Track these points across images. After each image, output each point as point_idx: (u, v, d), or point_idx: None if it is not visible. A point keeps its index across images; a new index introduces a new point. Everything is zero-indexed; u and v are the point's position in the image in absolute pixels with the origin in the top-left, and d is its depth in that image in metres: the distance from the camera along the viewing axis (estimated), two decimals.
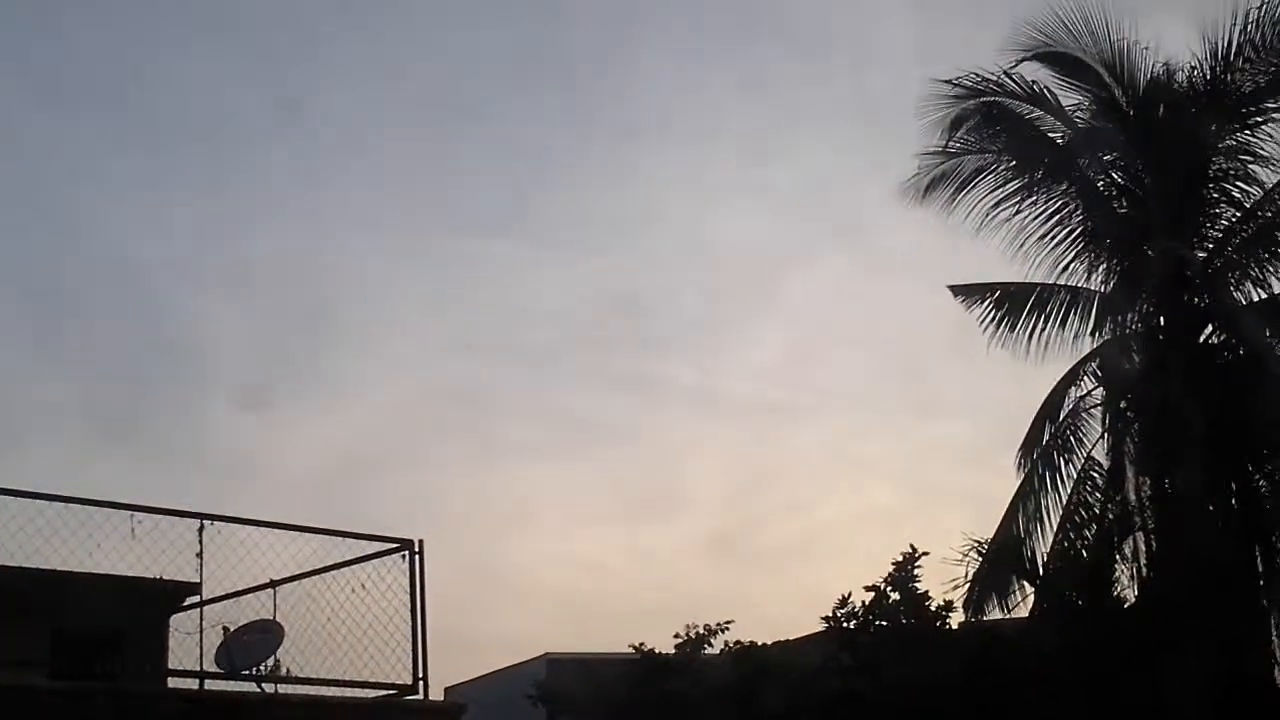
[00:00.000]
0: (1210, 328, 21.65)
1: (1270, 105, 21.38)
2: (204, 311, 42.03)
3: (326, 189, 44.50)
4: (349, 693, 13.72)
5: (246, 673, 13.26)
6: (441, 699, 16.79)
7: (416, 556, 14.16)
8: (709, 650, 21.92)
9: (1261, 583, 20.69)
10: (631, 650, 21.86)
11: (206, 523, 12.70)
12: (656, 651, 21.76)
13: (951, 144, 22.09)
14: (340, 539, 14.02)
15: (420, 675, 14.02)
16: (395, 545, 14.16)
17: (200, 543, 12.62)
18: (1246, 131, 21.54)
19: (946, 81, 21.82)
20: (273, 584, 13.65)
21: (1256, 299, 21.45)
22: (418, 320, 45.12)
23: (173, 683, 13.37)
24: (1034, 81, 21.96)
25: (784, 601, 44.98)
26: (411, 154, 42.80)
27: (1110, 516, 21.59)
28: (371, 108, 43.23)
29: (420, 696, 14.08)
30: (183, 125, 40.85)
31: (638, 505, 47.45)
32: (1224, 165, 21.67)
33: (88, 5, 38.20)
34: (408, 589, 14.05)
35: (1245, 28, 20.81)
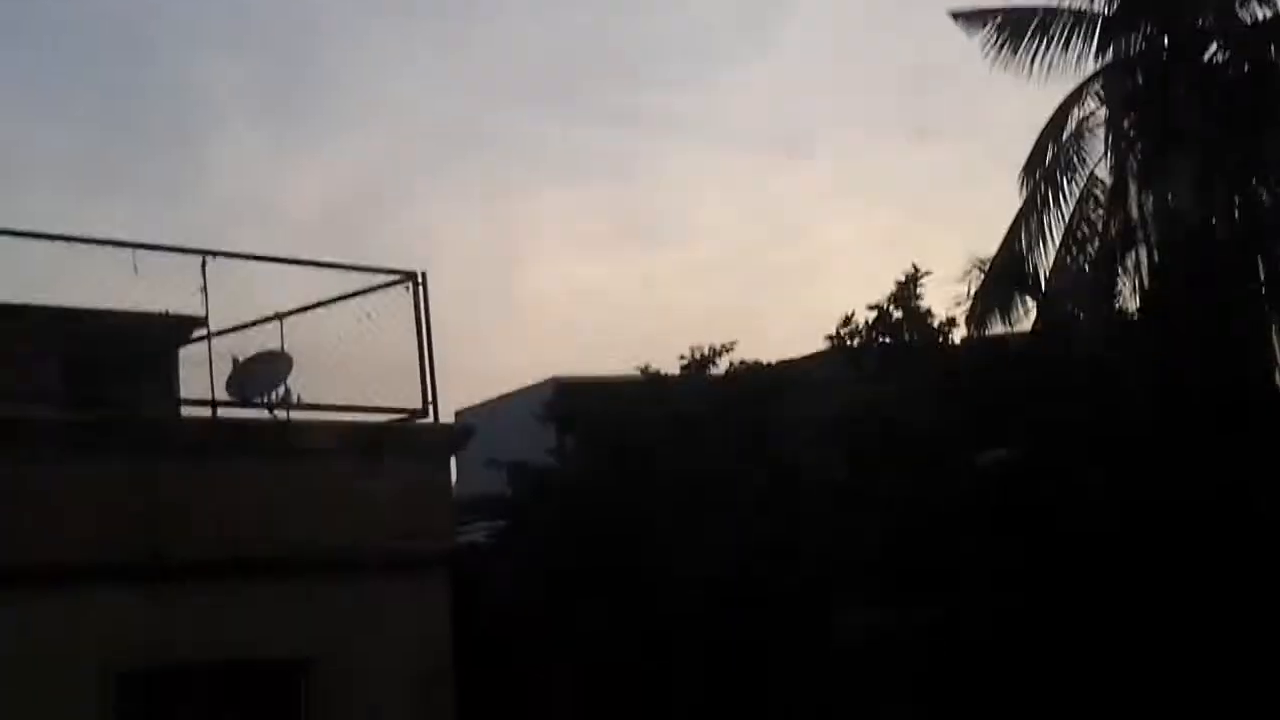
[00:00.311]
0: (1214, 47, 21.49)
1: None
2: (204, 63, 41.79)
3: None
4: (360, 418, 14.19)
5: (258, 401, 13.68)
6: (452, 422, 17.37)
7: (420, 288, 14.48)
8: (714, 370, 22.28)
9: (1263, 290, 20.95)
10: (638, 372, 22.24)
11: (209, 259, 12.97)
12: (663, 373, 22.15)
13: None
14: (345, 273, 14.30)
15: (430, 399, 14.46)
16: (399, 277, 14.46)
17: (204, 277, 12.91)
18: None
19: None
20: (278, 316, 13.99)
21: (1262, 18, 21.25)
22: (417, 59, 44.79)
23: (186, 412, 13.86)
24: None
25: (787, 324, 45.53)
26: None
27: (1113, 232, 21.76)
28: None
29: (430, 420, 14.55)
30: None
31: (641, 234, 47.73)
32: None
33: None
34: (413, 320, 14.40)
35: None
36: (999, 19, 22.08)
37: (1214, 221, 20.94)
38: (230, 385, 13.81)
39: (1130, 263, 21.70)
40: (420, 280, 14.41)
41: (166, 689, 12.21)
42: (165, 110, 44.17)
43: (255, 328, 13.99)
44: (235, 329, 14.00)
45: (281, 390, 13.78)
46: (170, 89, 42.26)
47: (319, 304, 14.06)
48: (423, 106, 44.89)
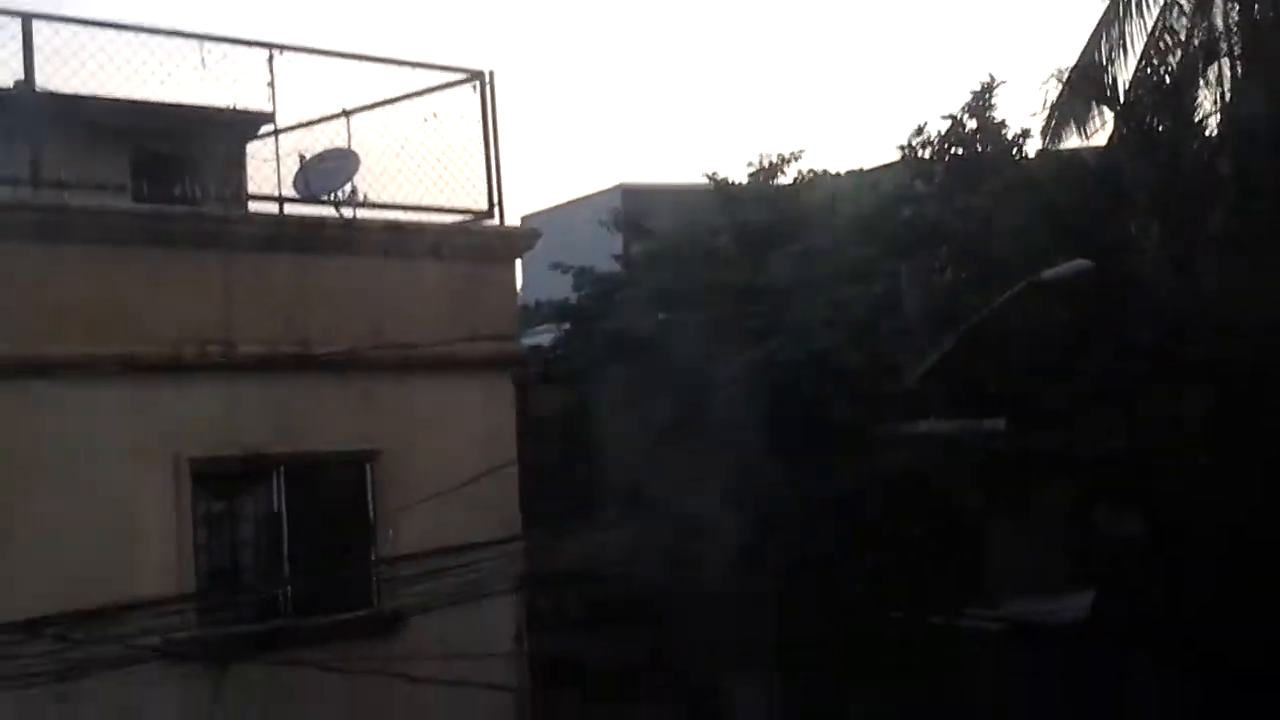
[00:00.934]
0: None
1: None
2: None
3: None
4: (427, 218, 14.18)
5: (325, 198, 13.66)
6: (518, 225, 17.30)
7: (488, 87, 14.33)
8: (782, 179, 22.06)
9: None
10: (706, 180, 22.05)
11: (276, 53, 12.85)
12: (730, 181, 21.94)
13: None
14: (412, 70, 14.14)
15: (496, 201, 14.42)
16: (466, 76, 14.30)
17: (271, 72, 12.80)
18: None
19: None
20: (345, 113, 13.89)
21: None
22: None
23: (252, 208, 13.87)
24: None
25: (861, 131, 44.83)
26: None
27: (1196, 42, 21.15)
28: None
29: (496, 222, 14.52)
30: None
31: (693, 28, 46.80)
32: None
33: None
34: (479, 120, 14.28)
35: None
36: None
37: None
38: (297, 182, 13.79)
39: (1213, 75, 21.19)
40: (488, 80, 14.24)
41: (237, 478, 12.42)
42: None
43: (322, 125, 13.91)
44: (302, 125, 13.95)
45: (348, 188, 13.73)
46: None
47: (386, 101, 13.93)
48: None
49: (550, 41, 46.25)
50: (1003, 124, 21.38)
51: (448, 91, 14.10)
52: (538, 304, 21.89)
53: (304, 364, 12.48)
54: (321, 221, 13.46)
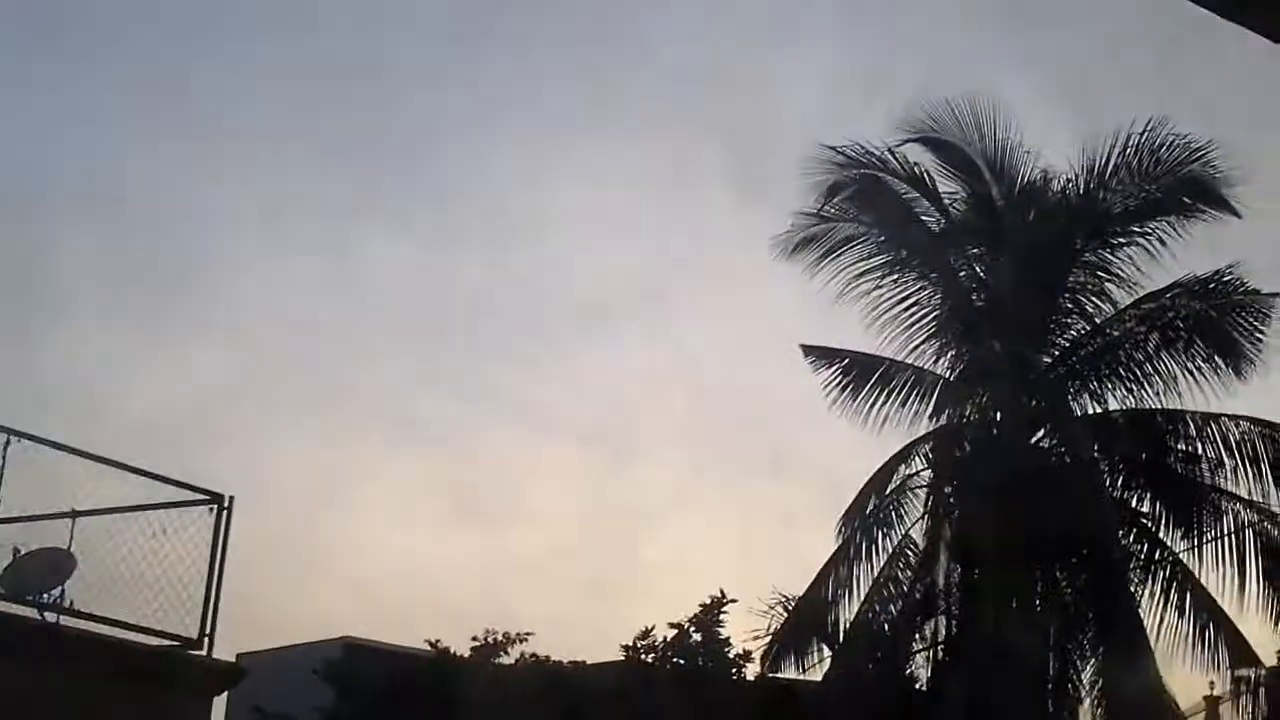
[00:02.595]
0: (1043, 431, 22.21)
1: (1135, 229, 22.06)
2: (62, 238, 41.10)
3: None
4: (133, 637, 13.57)
5: (30, 598, 13.04)
6: (231, 660, 16.69)
7: (225, 512, 14.05)
8: (504, 659, 21.99)
9: (1049, 686, 21.22)
10: (428, 646, 21.85)
11: (13, 440, 12.49)
12: (453, 651, 21.80)
13: (827, 209, 22.47)
14: (151, 482, 13.84)
15: (207, 631, 13.90)
16: (206, 498, 14.05)
17: (3, 459, 12.40)
18: (1108, 250, 22.22)
19: (831, 148, 22.26)
20: (74, 514, 13.41)
21: (1091, 411, 22.09)
22: (271, 291, 44.59)
23: None
24: (916, 163, 22.54)
25: (592, 625, 45.08)
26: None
27: (917, 595, 22.01)
28: None
29: (204, 652, 13.96)
30: None
31: (464, 511, 47.25)
32: (1082, 278, 22.30)
33: None
34: (210, 542, 13.94)
35: (1125, 150, 21.55)
36: (845, 361, 22.71)
37: (1015, 606, 21.31)
38: (4, 577, 13.15)
39: (929, 630, 21.95)
40: (226, 505, 14.00)
41: None
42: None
43: (46, 521, 13.40)
44: (23, 519, 13.41)
45: (58, 592, 13.14)
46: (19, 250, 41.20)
47: (117, 509, 13.54)
48: (273, 337, 44.43)
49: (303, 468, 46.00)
50: (727, 641, 21.72)
51: (183, 509, 13.77)
52: None
53: None
54: (19, 621, 12.77)
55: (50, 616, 13.02)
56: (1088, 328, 22.37)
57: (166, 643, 13.76)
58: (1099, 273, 22.23)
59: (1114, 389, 21.91)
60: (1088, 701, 21.11)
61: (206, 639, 13.87)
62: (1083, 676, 21.28)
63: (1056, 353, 22.39)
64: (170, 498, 13.80)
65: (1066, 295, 22.36)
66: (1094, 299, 22.30)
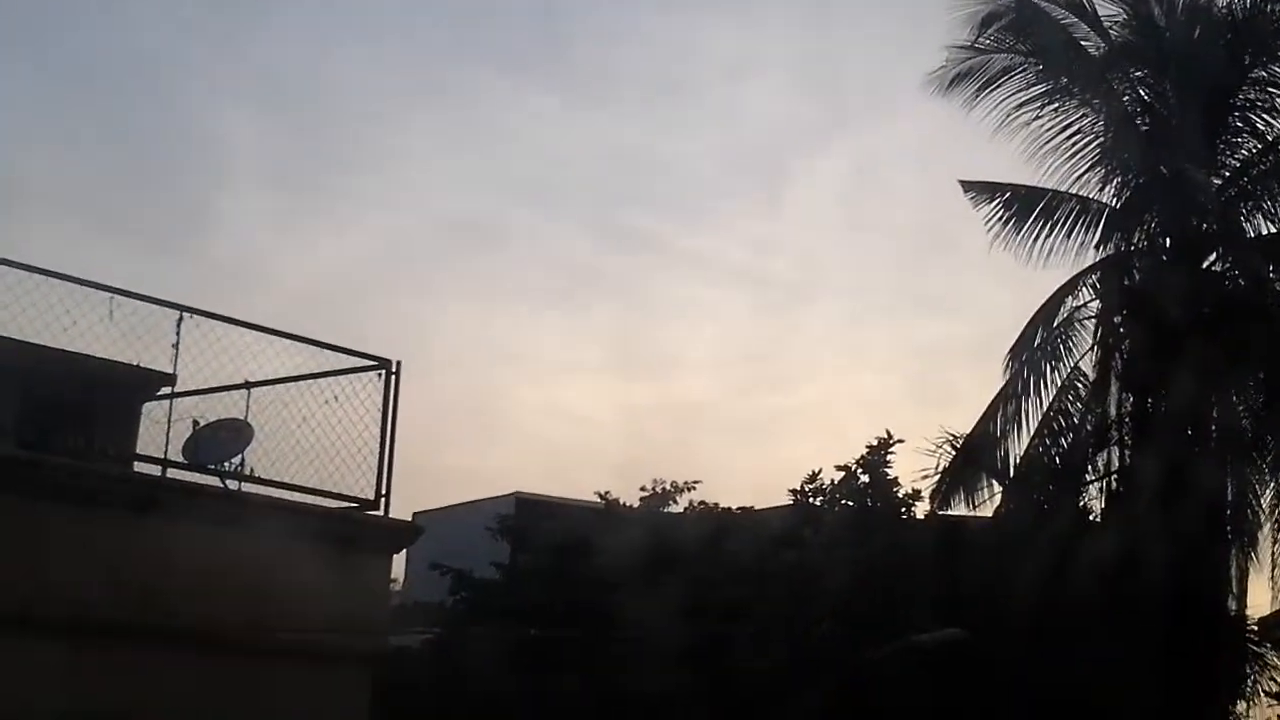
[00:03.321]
0: (1214, 255, 21.63)
1: None
2: (217, 115, 41.81)
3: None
4: (312, 500, 13.89)
5: (211, 467, 13.38)
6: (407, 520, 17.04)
7: (393, 376, 14.23)
8: (673, 507, 22.19)
9: (1228, 512, 20.90)
10: (598, 498, 22.11)
11: (186, 316, 12.73)
12: (622, 502, 22.04)
13: (981, 40, 21.84)
14: (320, 351, 14.05)
15: (383, 492, 14.15)
16: (373, 363, 14.23)
17: (178, 334, 12.66)
18: (1278, 64, 21.33)
19: None
20: (247, 385, 13.71)
21: (1266, 233, 21.44)
22: (428, 150, 44.96)
23: (137, 468, 13.53)
24: None
25: (758, 472, 45.48)
26: None
27: (1088, 428, 21.72)
28: None
29: (381, 512, 14.26)
30: None
31: (626, 361, 47.73)
32: (1252, 95, 21.53)
33: None
34: (380, 407, 14.15)
35: None
36: (1007, 195, 22.22)
37: (1190, 432, 20.96)
38: (186, 448, 13.52)
39: (1101, 462, 21.67)
40: (394, 370, 14.18)
41: None
42: (176, 158, 43.93)
43: (222, 393, 13.72)
44: (200, 391, 13.74)
45: (238, 460, 13.48)
46: (184, 137, 42.07)
47: (289, 379, 13.78)
48: (435, 199, 44.95)
49: (469, 338, 46.70)
50: (895, 481, 21.67)
51: (352, 376, 13.98)
52: (415, 603, 21.49)
53: (161, 636, 11.96)
54: (202, 490, 13.13)
55: (232, 484, 13.36)
56: (1259, 146, 21.67)
57: (345, 504, 14.06)
58: (1269, 88, 21.46)
59: None
60: (1267, 526, 20.75)
61: (383, 499, 14.12)
62: (1262, 501, 20.88)
63: (1227, 173, 21.70)
64: (340, 365, 14.01)
65: (1235, 114, 21.61)
66: (1264, 115, 21.60)
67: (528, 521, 23.25)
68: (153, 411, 13.89)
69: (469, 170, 45.24)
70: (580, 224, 47.63)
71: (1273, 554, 20.62)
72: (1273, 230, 21.43)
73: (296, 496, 13.66)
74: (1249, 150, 21.68)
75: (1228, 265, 21.65)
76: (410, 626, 21.05)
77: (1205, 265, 21.55)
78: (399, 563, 15.36)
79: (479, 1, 43.75)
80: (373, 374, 14.10)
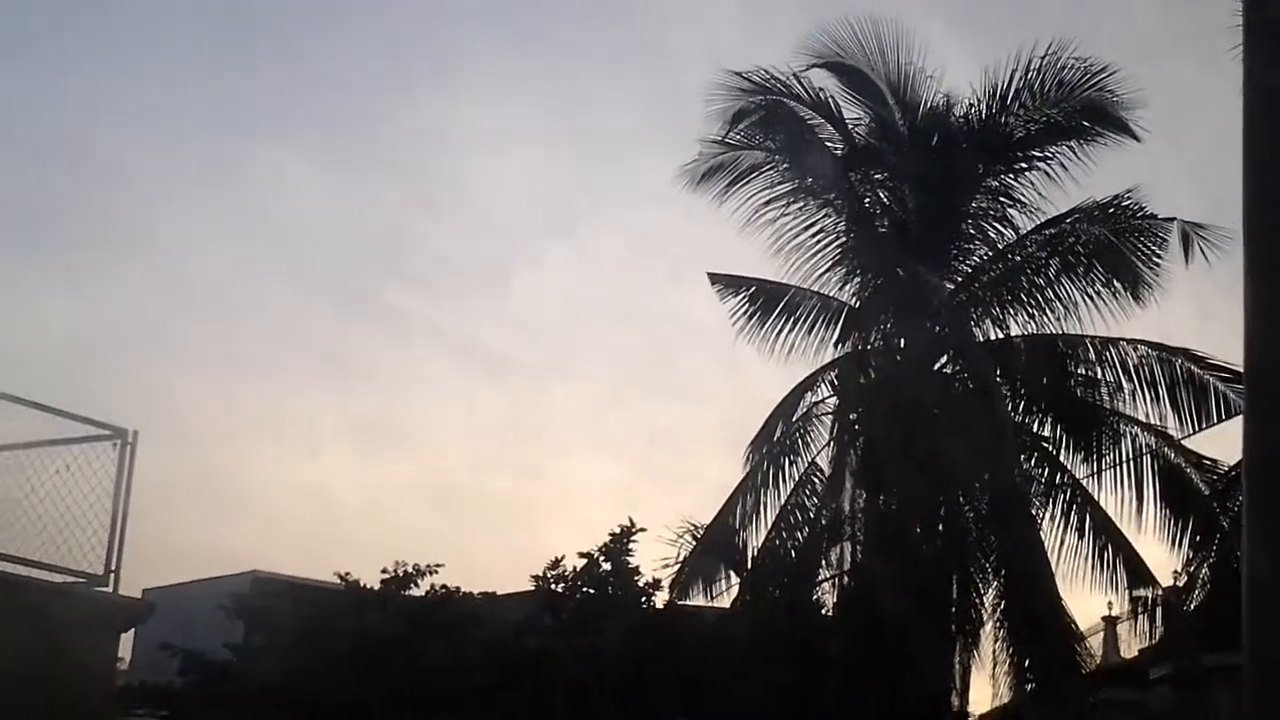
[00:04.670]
0: (946, 357, 22.44)
1: (1036, 154, 22.23)
2: None
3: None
4: (38, 574, 13.42)
5: None
6: (137, 597, 16.55)
7: (129, 447, 13.90)
8: (414, 591, 21.98)
9: (953, 610, 21.55)
10: (338, 579, 21.80)
11: None
12: (362, 584, 21.76)
13: (732, 136, 22.41)
14: (54, 417, 13.64)
15: (113, 567, 13.76)
16: (108, 432, 13.88)
17: None
18: (1010, 175, 22.41)
19: (736, 73, 22.14)
20: None
21: (994, 337, 22.34)
22: (176, 214, 44.06)
23: None
24: (820, 89, 22.52)
25: (500, 556, 45.38)
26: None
27: (823, 522, 22.23)
28: None
29: (110, 589, 13.84)
30: None
31: (372, 439, 47.25)
32: (984, 204, 22.49)
33: None
34: (114, 477, 13.78)
35: (1026, 73, 21.66)
36: (752, 289, 22.74)
37: (919, 530, 21.62)
38: None
39: (834, 557, 22.18)
40: (130, 440, 13.84)
41: None
42: None
43: None
44: None
45: None
46: None
47: (15, 445, 13.36)
48: (180, 265, 43.93)
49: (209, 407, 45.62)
50: (636, 570, 21.85)
51: (86, 445, 13.60)
52: (142, 684, 20.81)
53: None
54: None
55: None
56: (990, 253, 22.59)
57: (72, 579, 13.61)
58: (1001, 198, 22.44)
59: (1015, 314, 22.15)
60: (989, 624, 21.46)
61: (113, 575, 13.73)
62: (985, 599, 21.60)
63: (959, 278, 22.57)
64: (74, 433, 13.62)
65: (969, 221, 22.55)
66: (996, 224, 22.54)
67: (265, 601, 22.78)
68: None
69: (217, 237, 44.45)
70: (329, 298, 47.16)
71: (993, 652, 21.30)
72: (1000, 335, 22.32)
73: (22, 569, 13.19)
74: (980, 256, 22.61)
75: (958, 369, 22.46)
76: (136, 709, 20.39)
77: (938, 366, 22.32)
78: (127, 641, 14.87)
79: (231, 65, 43.18)
80: (108, 443, 13.75)
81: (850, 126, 22.71)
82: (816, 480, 22.38)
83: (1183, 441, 21.39)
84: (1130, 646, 24.00)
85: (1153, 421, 21.43)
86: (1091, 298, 21.44)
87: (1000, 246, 22.51)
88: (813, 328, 22.41)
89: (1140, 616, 21.72)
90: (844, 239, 22.57)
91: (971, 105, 22.17)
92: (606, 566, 22.29)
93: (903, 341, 22.42)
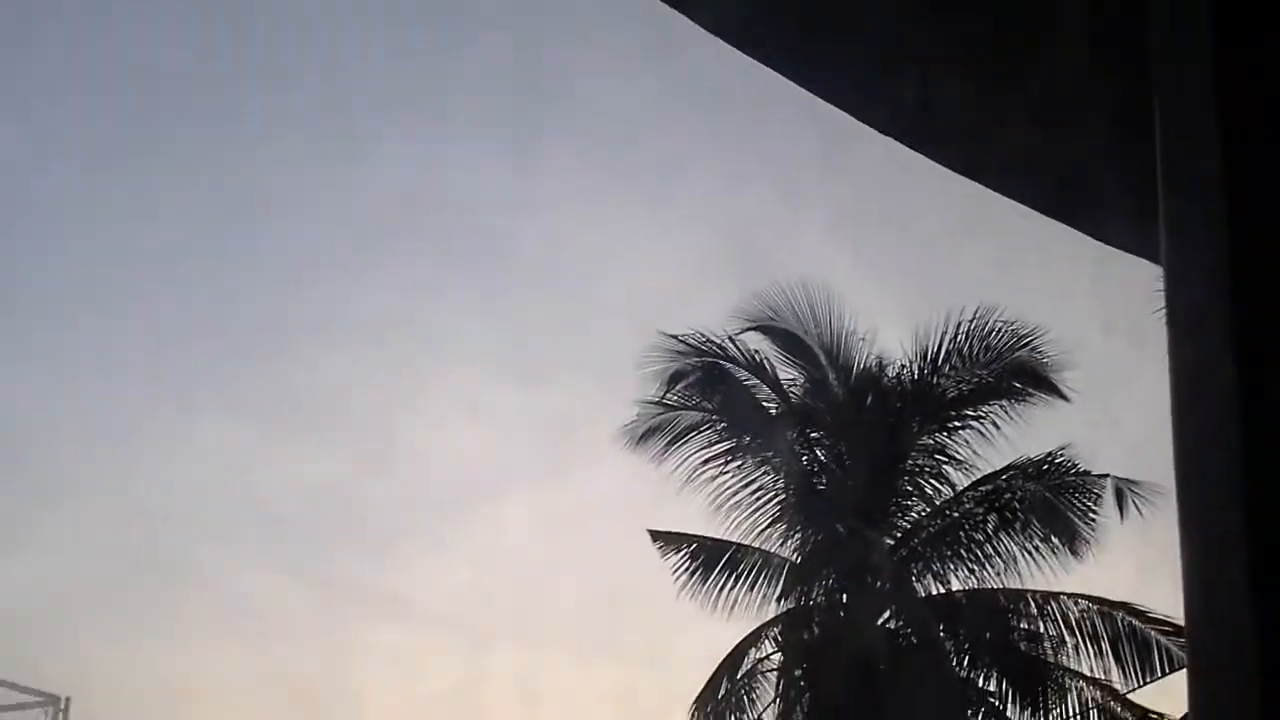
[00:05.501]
0: (889, 612, 22.48)
1: (969, 413, 22.68)
2: None
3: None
4: None
5: None
6: None
7: (62, 714, 13.65)
8: None
9: None
10: None
11: None
12: None
13: (669, 397, 22.83)
14: None
15: None
16: (41, 699, 13.64)
17: None
18: (944, 433, 22.81)
19: (673, 336, 22.67)
20: None
21: (935, 591, 22.42)
22: (110, 477, 43.79)
23: None
24: (756, 351, 22.99)
25: None
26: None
27: None
28: None
29: None
30: None
31: (310, 705, 46.20)
32: (920, 461, 22.82)
33: None
34: None
35: (955, 336, 22.28)
36: (694, 546, 22.74)
37: None
38: None
39: None
40: (63, 706, 13.60)
41: None
42: None
43: None
44: None
45: None
46: None
47: None
48: (118, 531, 43.44)
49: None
50: None
51: (19, 712, 13.35)
52: None
53: None
54: None
55: None
56: (927, 509, 22.82)
57: None
58: (936, 455, 22.78)
59: (956, 569, 22.27)
60: None
61: None
62: None
63: (899, 534, 22.74)
64: (6, 701, 13.38)
65: (905, 478, 22.84)
66: (933, 481, 22.81)
67: None
68: None
69: (153, 500, 44.14)
70: (273, 563, 46.67)
71: None
72: (941, 590, 22.41)
73: None
74: (918, 512, 22.80)
75: (901, 622, 22.49)
76: None
77: (880, 621, 22.34)
78: None
79: (163, 328, 43.39)
80: (39, 710, 13.51)
81: (786, 387, 23.16)
82: None
83: (1128, 696, 21.42)
84: None
85: (1097, 676, 21.47)
86: (1030, 553, 21.69)
87: (938, 503, 22.76)
88: (754, 584, 22.37)
89: None
90: (783, 496, 22.78)
91: (904, 366, 22.72)
92: None
93: (844, 597, 22.46)
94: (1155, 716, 21.26)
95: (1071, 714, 21.36)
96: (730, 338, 22.79)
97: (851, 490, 22.43)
